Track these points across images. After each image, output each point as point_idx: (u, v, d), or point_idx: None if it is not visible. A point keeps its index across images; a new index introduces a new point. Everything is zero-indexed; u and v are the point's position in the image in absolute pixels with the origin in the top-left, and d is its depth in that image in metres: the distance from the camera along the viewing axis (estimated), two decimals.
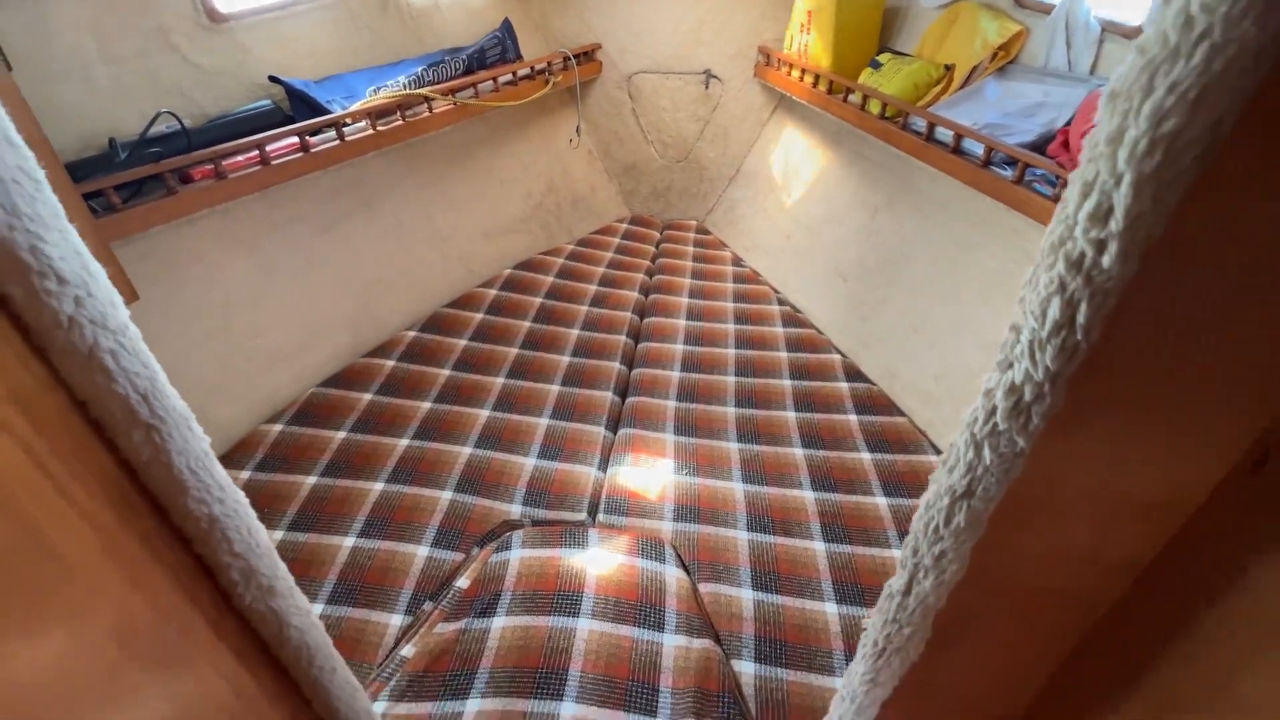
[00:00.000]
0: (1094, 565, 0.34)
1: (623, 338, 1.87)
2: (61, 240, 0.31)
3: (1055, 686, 0.41)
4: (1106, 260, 0.22)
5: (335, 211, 1.73)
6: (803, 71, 1.97)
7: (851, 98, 1.77)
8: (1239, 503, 0.28)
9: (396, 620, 1.09)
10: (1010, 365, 0.27)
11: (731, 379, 1.71)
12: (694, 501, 1.33)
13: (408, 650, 1.05)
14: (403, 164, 1.90)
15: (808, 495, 1.34)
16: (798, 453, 1.46)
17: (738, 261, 2.35)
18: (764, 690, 0.99)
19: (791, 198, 2.28)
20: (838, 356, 1.79)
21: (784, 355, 1.81)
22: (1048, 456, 0.29)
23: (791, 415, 1.58)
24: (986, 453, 0.29)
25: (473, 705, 0.95)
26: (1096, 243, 0.22)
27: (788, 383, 1.69)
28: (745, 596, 1.13)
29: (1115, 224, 0.21)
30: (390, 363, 1.69)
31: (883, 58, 1.77)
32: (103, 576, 0.36)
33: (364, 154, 1.60)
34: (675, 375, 1.72)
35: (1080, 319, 0.23)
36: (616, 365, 1.75)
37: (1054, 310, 0.24)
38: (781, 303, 2.08)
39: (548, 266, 2.19)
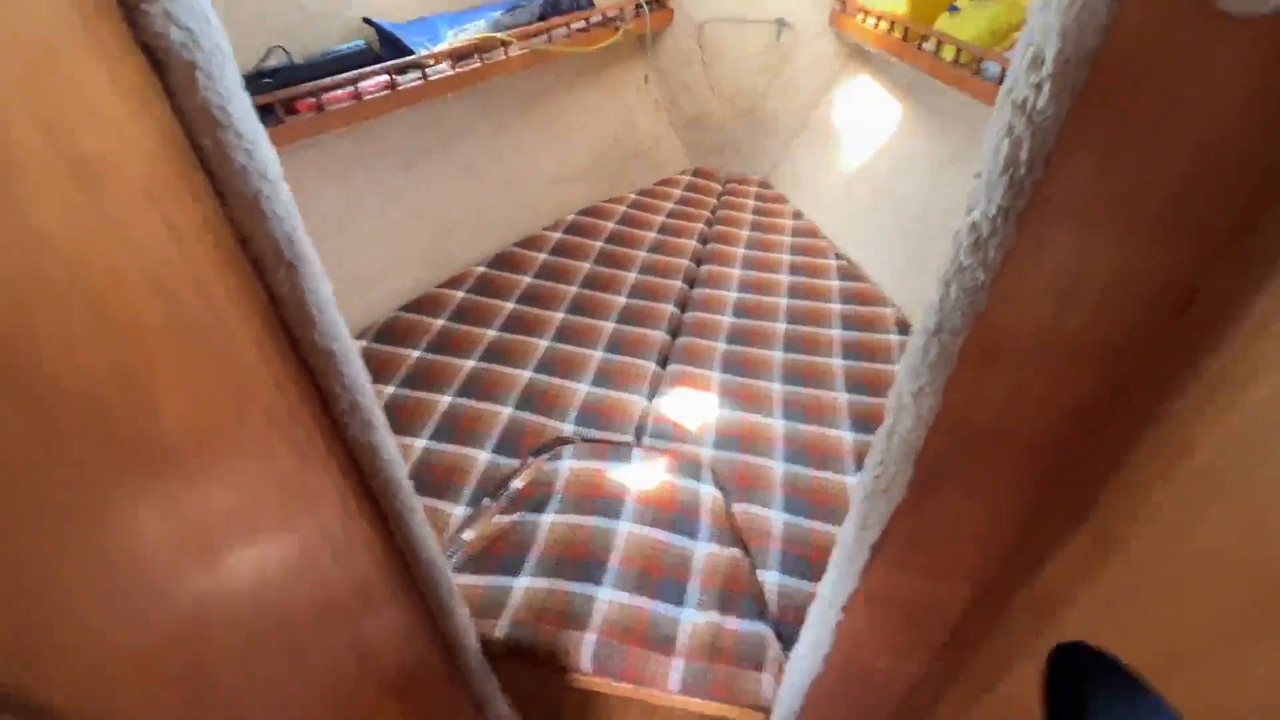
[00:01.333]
0: (1048, 411, 0.39)
1: (678, 283, 1.93)
2: (239, 104, 0.41)
3: (1021, 536, 0.47)
4: (1042, 101, 0.27)
5: (415, 150, 1.86)
6: (878, 18, 1.93)
7: (926, 45, 1.73)
8: (1165, 345, 0.33)
9: (460, 511, 1.23)
10: (972, 208, 0.33)
11: (781, 326, 1.75)
12: (734, 432, 1.40)
13: (468, 535, 1.19)
14: (477, 107, 2.00)
15: (846, 435, 1.39)
16: (841, 397, 1.50)
17: (798, 216, 2.35)
18: (785, 596, 1.08)
19: (858, 152, 2.25)
20: (891, 310, 1.80)
21: (836, 307, 1.83)
22: (1004, 294, 0.34)
23: (838, 362, 1.61)
24: (953, 289, 0.35)
25: (522, 581, 1.08)
26: (1034, 86, 0.28)
27: (837, 332, 1.72)
28: (776, 517, 1.21)
29: (1046, 68, 0.27)
30: (460, 294, 1.82)
31: (961, 1, 1.71)
32: (259, 373, 0.48)
33: (444, 95, 1.70)
34: (726, 320, 1.78)
35: (1024, 155, 0.29)
36: (670, 307, 1.82)
37: (1003, 150, 0.30)
38: (839, 257, 2.08)
39: (609, 213, 2.27)
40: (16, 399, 0.29)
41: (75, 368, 0.32)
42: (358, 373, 0.58)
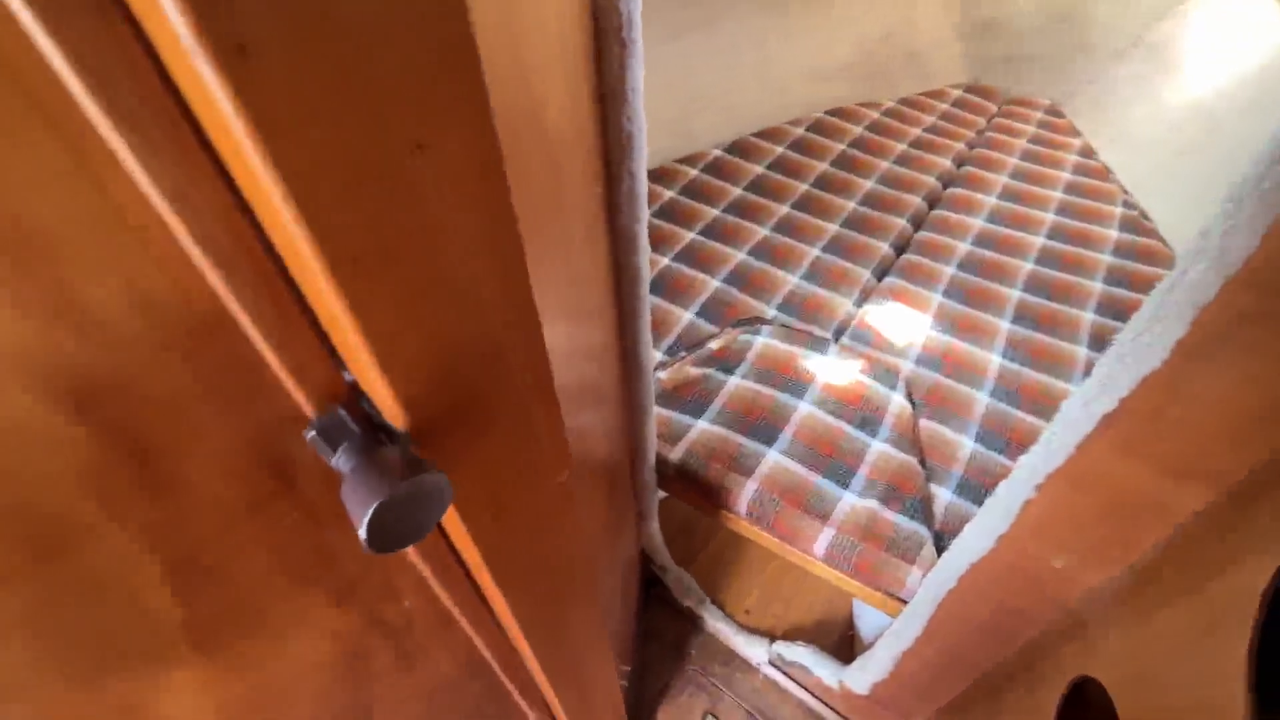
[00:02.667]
0: None
1: (917, 199, 1.80)
2: None
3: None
4: None
5: (679, 22, 1.89)
6: None
7: None
8: None
9: (658, 355, 1.36)
10: None
11: (1028, 265, 1.56)
12: (941, 355, 1.33)
13: (662, 375, 1.32)
14: None
15: (1074, 390, 1.24)
16: (1080, 352, 1.33)
17: (1087, 153, 1.99)
18: (952, 514, 1.05)
19: (1202, 84, 1.80)
20: None
21: (1106, 258, 1.57)
22: None
23: (1089, 317, 1.41)
24: None
25: (701, 424, 1.19)
26: None
27: (1098, 285, 1.49)
28: (965, 444, 1.16)
29: None
30: (693, 171, 1.89)
31: None
32: (586, 131, 0.58)
33: None
34: (963, 247, 1.63)
35: None
36: (901, 222, 1.71)
37: None
38: (1129, 206, 1.75)
39: (858, 118, 2.13)
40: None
41: (520, 95, 0.41)
42: (640, 163, 0.67)
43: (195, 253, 0.20)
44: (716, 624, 1.42)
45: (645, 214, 0.72)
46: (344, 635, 0.36)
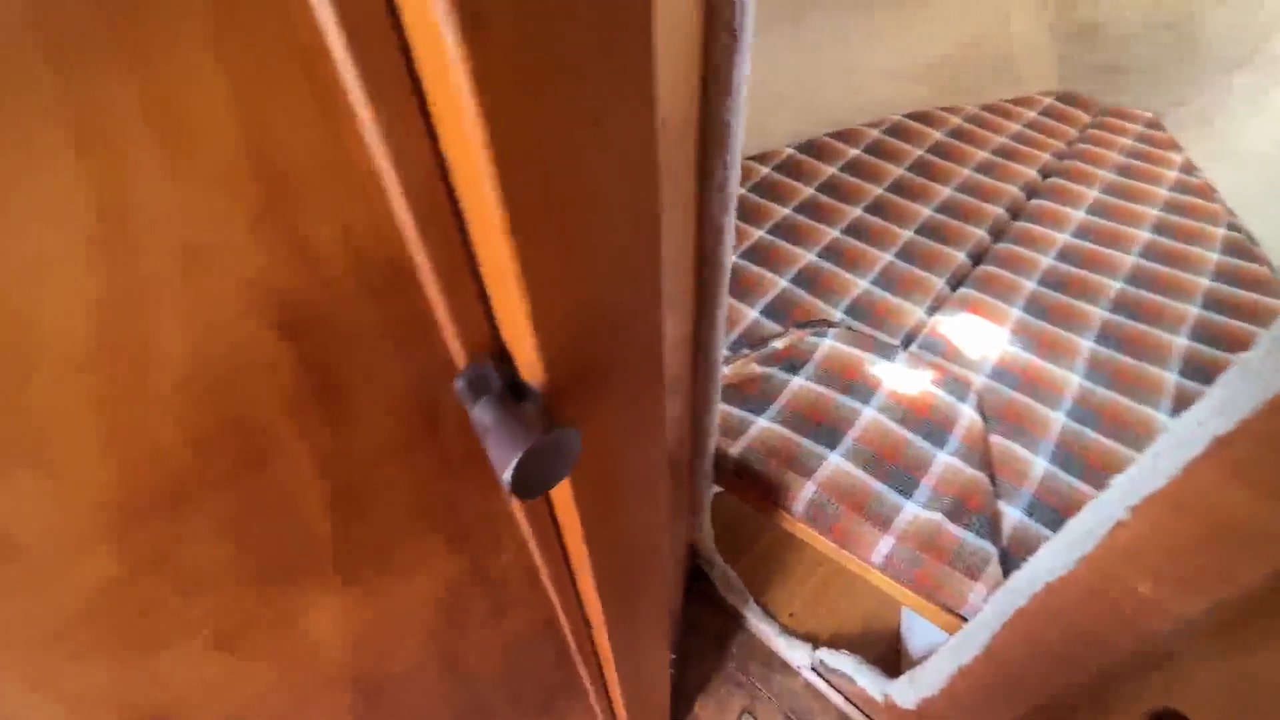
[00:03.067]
0: None
1: (998, 209, 1.73)
2: None
3: None
4: None
5: (765, 16, 1.87)
6: None
7: None
8: None
9: (723, 352, 1.36)
10: None
11: (1117, 284, 1.48)
12: (1016, 371, 1.29)
13: (725, 370, 1.32)
14: None
15: (1159, 416, 1.18)
16: (1170, 378, 1.26)
17: (1188, 169, 1.87)
18: (1020, 534, 1.02)
19: None
20: None
21: (1204, 282, 1.48)
22: None
23: (1181, 342, 1.33)
24: None
25: (762, 421, 1.19)
26: None
27: (1194, 310, 1.40)
28: (1038, 463, 1.11)
29: None
30: (765, 169, 1.88)
31: None
32: (689, 120, 0.59)
33: None
34: (1045, 261, 1.56)
35: None
36: (980, 232, 1.65)
37: None
38: (1234, 229, 1.64)
39: (939, 122, 2.06)
40: None
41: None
42: (736, 156, 0.68)
43: (401, 206, 0.22)
44: (759, 624, 1.42)
45: (734, 207, 0.72)
46: (452, 581, 0.39)
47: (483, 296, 0.27)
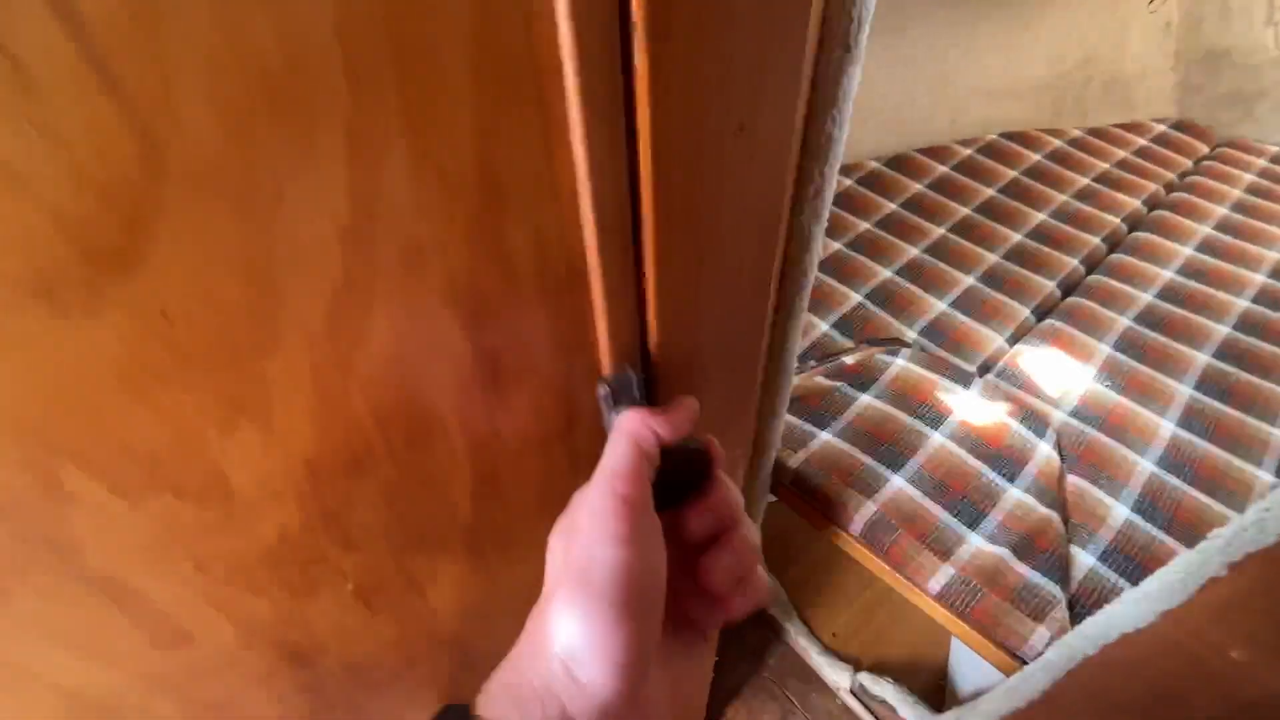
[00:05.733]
0: None
1: (1095, 239, 1.64)
2: None
3: None
4: None
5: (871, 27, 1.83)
6: None
7: None
8: None
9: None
10: None
11: (1224, 329, 1.39)
12: (1101, 412, 1.22)
13: (793, 380, 1.31)
14: None
15: (1261, 475, 1.10)
16: (1277, 434, 1.17)
17: None
18: (1092, 584, 0.97)
19: None
20: None
21: None
22: None
23: None
24: None
25: (825, 435, 1.17)
26: None
27: None
28: (1118, 510, 1.06)
29: None
30: (848, 181, 1.84)
31: None
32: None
33: None
34: (1144, 298, 1.48)
35: None
36: (1074, 262, 1.58)
37: None
38: None
39: (1039, 144, 1.97)
40: None
41: None
42: (834, 167, 0.67)
43: (589, 216, 0.23)
44: (799, 639, 1.40)
45: (826, 217, 0.72)
46: None
47: (640, 307, 0.28)
